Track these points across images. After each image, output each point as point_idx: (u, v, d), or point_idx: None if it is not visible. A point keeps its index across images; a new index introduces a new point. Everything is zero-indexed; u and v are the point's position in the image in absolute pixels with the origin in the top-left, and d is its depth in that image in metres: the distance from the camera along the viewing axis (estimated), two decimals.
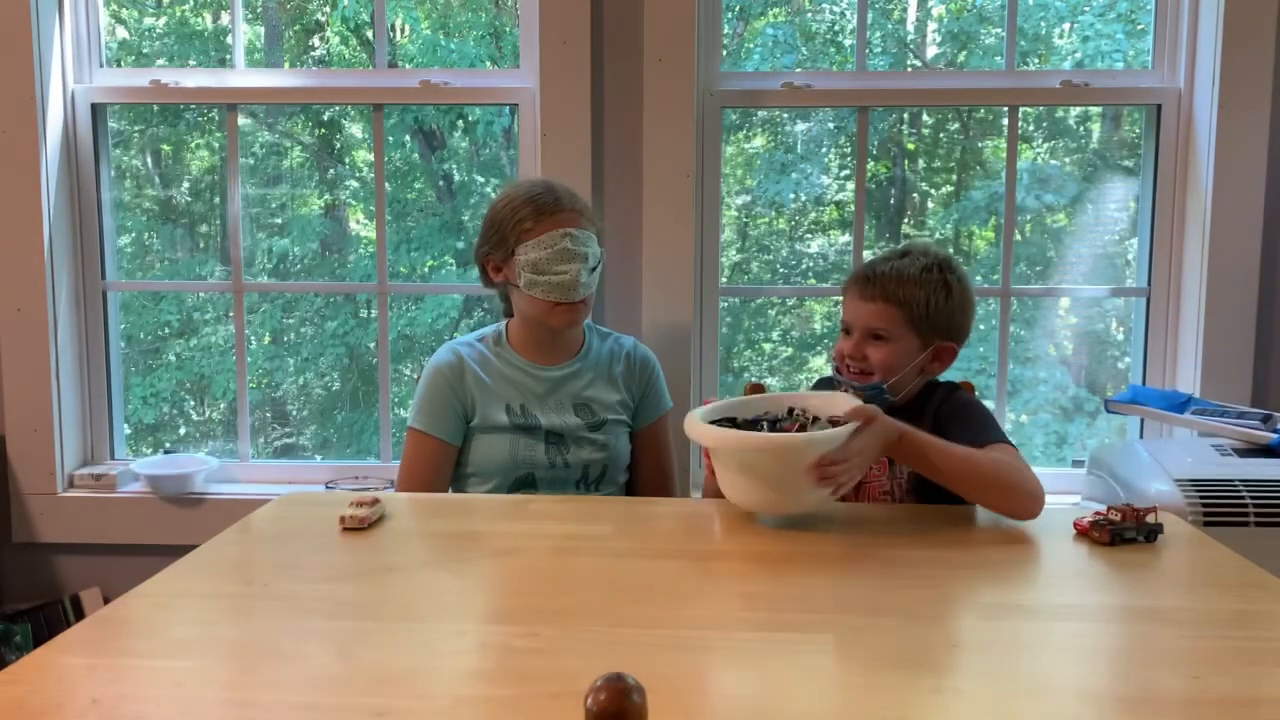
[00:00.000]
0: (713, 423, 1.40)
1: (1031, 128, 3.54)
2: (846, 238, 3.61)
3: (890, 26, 3.75)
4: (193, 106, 3.58)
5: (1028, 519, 1.36)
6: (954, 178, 3.94)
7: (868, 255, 2.16)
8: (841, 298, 1.65)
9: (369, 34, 3.95)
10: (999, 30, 3.39)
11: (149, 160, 3.89)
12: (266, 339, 4.10)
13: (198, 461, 2.44)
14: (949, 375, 1.64)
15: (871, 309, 1.55)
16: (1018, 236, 3.36)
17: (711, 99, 2.31)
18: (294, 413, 4.17)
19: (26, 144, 2.28)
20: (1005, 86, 2.32)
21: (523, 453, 1.75)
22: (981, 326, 2.98)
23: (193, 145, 3.91)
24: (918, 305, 1.53)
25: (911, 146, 3.91)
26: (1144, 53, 2.50)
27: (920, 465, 1.40)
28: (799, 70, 2.39)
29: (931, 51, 3.89)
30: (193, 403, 4.09)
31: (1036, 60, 3.51)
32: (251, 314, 3.93)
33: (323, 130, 4.05)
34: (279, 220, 3.98)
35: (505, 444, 1.75)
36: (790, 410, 1.46)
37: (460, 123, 3.99)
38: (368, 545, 1.28)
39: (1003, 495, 1.37)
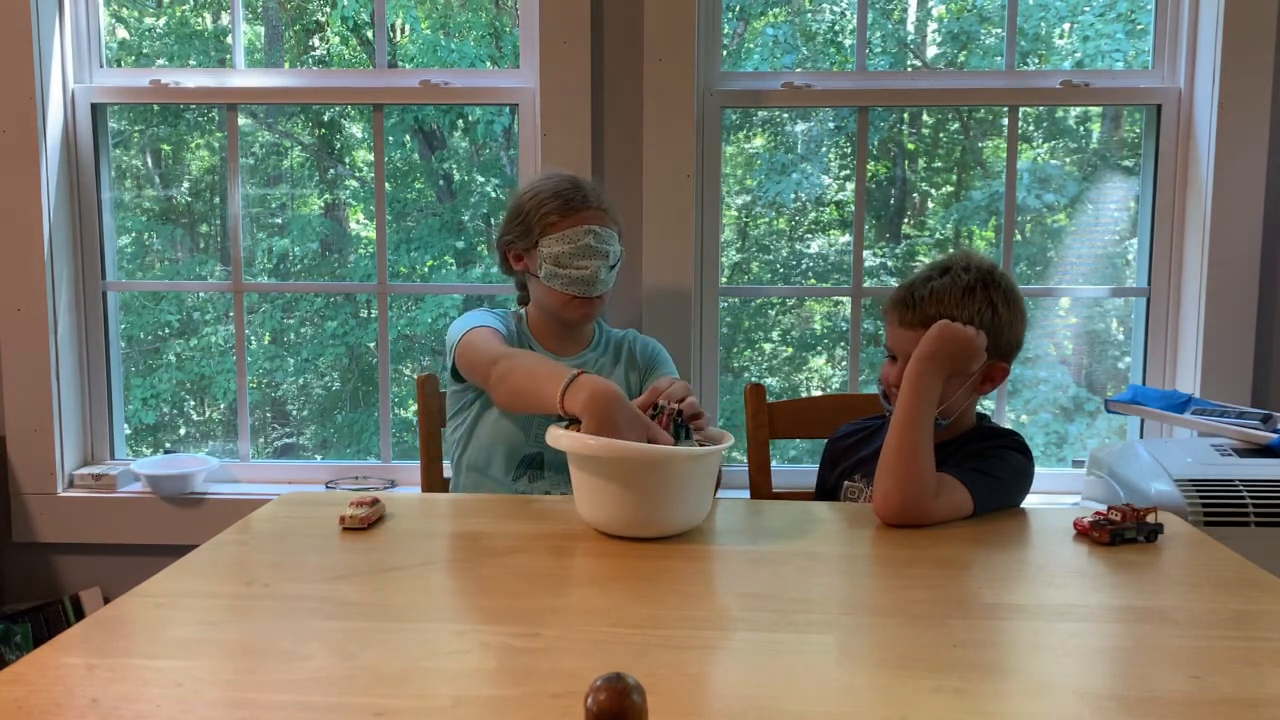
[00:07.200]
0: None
1: (1031, 128, 3.53)
2: (846, 238, 3.60)
3: (890, 26, 3.75)
4: (193, 106, 3.58)
5: (880, 515, 1.37)
6: (954, 178, 3.94)
7: (868, 255, 2.15)
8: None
9: (369, 34, 3.95)
10: (999, 30, 3.39)
11: (149, 160, 3.89)
12: (266, 339, 4.10)
13: (198, 461, 2.44)
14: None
15: (913, 337, 1.46)
16: (1018, 236, 3.35)
17: (711, 99, 2.31)
18: (294, 413, 4.17)
19: (26, 144, 2.29)
20: (1005, 86, 2.33)
21: (535, 430, 1.77)
22: None
23: (193, 145, 3.91)
24: None
25: (911, 146, 3.91)
26: (1144, 53, 2.50)
27: (904, 398, 1.40)
28: (799, 70, 2.39)
29: (931, 51, 3.89)
30: (193, 403, 4.09)
31: (1036, 60, 3.51)
32: (251, 314, 3.92)
33: (323, 130, 4.05)
34: (279, 220, 3.98)
35: (520, 420, 1.77)
36: (655, 404, 1.37)
37: (460, 123, 3.99)
38: (368, 545, 1.28)
39: (883, 478, 1.37)
